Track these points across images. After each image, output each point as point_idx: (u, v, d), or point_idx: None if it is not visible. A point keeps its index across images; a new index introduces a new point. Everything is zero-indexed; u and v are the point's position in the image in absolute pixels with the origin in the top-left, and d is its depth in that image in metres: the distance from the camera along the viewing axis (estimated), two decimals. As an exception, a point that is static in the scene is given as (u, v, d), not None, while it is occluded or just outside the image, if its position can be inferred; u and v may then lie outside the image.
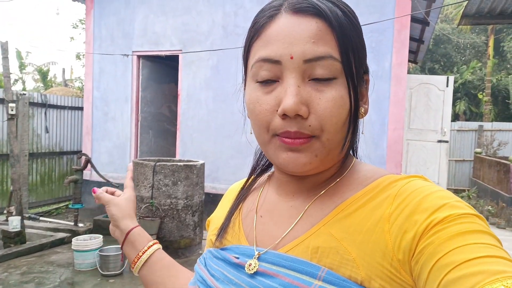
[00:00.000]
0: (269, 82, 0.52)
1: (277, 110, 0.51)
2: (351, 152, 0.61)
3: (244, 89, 0.60)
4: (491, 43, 13.93)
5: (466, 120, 15.31)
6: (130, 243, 0.74)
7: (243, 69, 0.60)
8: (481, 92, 11.68)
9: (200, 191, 4.50)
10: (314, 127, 0.50)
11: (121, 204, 0.77)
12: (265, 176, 0.69)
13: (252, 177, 0.70)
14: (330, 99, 0.50)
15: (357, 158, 0.62)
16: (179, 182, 4.27)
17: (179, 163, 4.36)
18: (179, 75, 5.88)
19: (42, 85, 17.62)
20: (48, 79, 17.76)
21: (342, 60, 0.50)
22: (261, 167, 0.70)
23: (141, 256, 0.72)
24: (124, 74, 6.23)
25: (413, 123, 6.30)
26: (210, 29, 5.67)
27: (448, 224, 0.43)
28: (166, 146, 6.82)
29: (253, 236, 0.60)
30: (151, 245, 0.73)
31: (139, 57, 6.21)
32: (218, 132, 5.64)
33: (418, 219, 0.45)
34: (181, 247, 4.30)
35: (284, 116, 0.50)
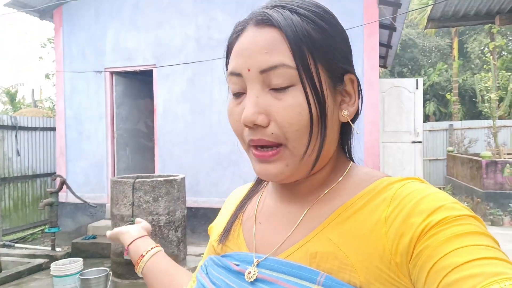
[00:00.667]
0: (239, 94, 0.55)
1: None
2: (347, 155, 0.62)
3: None
4: (455, 45, 14.54)
5: (436, 120, 15.83)
6: (136, 246, 0.82)
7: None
8: (449, 93, 12.14)
9: (182, 206, 4.43)
10: (277, 135, 0.51)
11: (131, 230, 0.88)
12: (264, 183, 0.70)
13: (255, 182, 0.71)
14: (287, 107, 0.51)
15: (353, 161, 0.62)
16: (160, 198, 4.20)
17: (158, 179, 4.29)
18: (154, 90, 5.83)
19: (11, 107, 17.09)
20: (16, 100, 17.25)
21: (298, 66, 0.50)
22: None
23: (144, 255, 0.79)
24: (97, 92, 6.11)
25: (387, 126, 6.46)
26: (183, 42, 5.66)
27: (445, 226, 0.43)
28: (144, 162, 6.71)
29: (252, 242, 0.60)
30: (154, 247, 0.81)
31: (112, 73, 6.12)
32: (197, 145, 5.60)
33: (415, 222, 0.45)
34: (165, 264, 4.20)
35: (246, 125, 0.52)
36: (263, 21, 0.52)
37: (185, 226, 4.51)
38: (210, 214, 5.49)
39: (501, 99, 8.94)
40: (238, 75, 0.53)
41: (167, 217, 4.24)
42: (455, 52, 14.42)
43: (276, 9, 0.53)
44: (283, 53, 0.51)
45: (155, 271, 0.78)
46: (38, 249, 5.41)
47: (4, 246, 5.57)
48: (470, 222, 0.44)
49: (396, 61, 18.19)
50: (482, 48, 16.16)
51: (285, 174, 0.53)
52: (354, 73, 0.57)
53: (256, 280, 0.53)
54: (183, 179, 4.52)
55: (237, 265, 0.57)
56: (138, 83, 6.68)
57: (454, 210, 0.45)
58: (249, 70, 0.52)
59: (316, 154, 0.54)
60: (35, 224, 7.17)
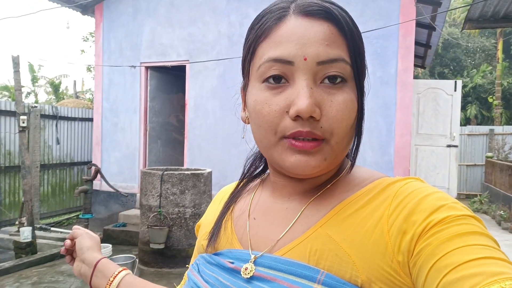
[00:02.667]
0: (278, 83, 0.51)
1: (287, 112, 0.50)
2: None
3: (245, 91, 0.58)
4: (500, 46, 13.80)
5: (478, 124, 15.11)
6: (100, 272, 0.70)
7: (245, 71, 0.58)
8: (491, 96, 11.54)
9: (207, 200, 4.52)
10: (325, 129, 0.50)
11: (92, 236, 0.77)
12: (257, 180, 0.68)
13: (244, 181, 0.69)
14: (342, 102, 0.50)
15: (354, 162, 0.61)
16: (186, 191, 4.30)
17: (186, 172, 4.39)
18: (186, 85, 5.95)
19: (54, 97, 17.92)
20: (60, 91, 18.08)
21: (352, 64, 0.51)
22: (253, 171, 0.68)
23: (112, 281, 0.68)
24: (133, 85, 6.33)
25: (422, 128, 6.25)
26: (216, 39, 5.74)
27: (446, 226, 0.43)
28: (174, 155, 6.88)
29: (247, 239, 0.58)
30: (121, 271, 0.70)
31: (147, 68, 6.31)
32: (225, 140, 5.67)
33: (416, 220, 0.45)
34: (189, 256, 4.31)
35: (297, 117, 0.49)
36: (317, 12, 0.50)
37: (210, 219, 4.59)
38: (235, 209, 5.54)
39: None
40: (288, 62, 0.50)
41: (193, 209, 4.33)
42: (500, 54, 13.69)
43: (328, 3, 0.51)
44: (341, 48, 0.50)
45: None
46: (72, 234, 5.69)
47: (41, 229, 5.91)
48: (471, 222, 0.44)
49: (437, 61, 17.52)
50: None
51: (322, 168, 0.52)
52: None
53: (252, 278, 0.52)
54: (209, 173, 4.60)
55: (232, 262, 0.56)
56: (171, 78, 6.84)
57: (456, 210, 0.45)
58: (305, 59, 0.49)
59: (348, 151, 0.54)
60: (70, 209, 7.54)
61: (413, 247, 0.44)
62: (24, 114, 4.73)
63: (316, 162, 0.51)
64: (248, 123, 0.59)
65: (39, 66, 19.46)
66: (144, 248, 4.35)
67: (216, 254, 0.60)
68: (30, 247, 4.63)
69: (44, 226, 6.07)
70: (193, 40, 5.87)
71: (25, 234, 4.59)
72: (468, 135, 10.50)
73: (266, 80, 0.52)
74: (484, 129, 10.89)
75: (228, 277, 0.55)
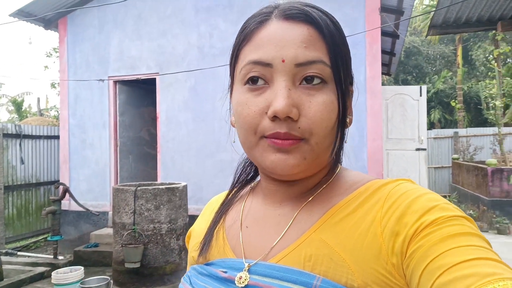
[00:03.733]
0: (258, 85, 0.52)
1: (266, 113, 0.50)
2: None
3: (231, 95, 0.59)
4: (459, 52, 14.49)
5: (442, 127, 15.74)
6: None
7: (230, 75, 0.59)
8: (453, 100, 12.07)
9: (183, 214, 4.41)
10: (303, 129, 0.50)
11: None
12: (247, 188, 0.68)
13: (234, 189, 0.68)
14: (321, 103, 0.50)
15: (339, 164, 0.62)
16: (161, 206, 4.19)
17: (160, 186, 4.28)
18: (157, 98, 5.85)
19: (17, 116, 17.25)
20: (23, 109, 17.43)
21: (332, 66, 0.51)
22: (244, 178, 0.68)
23: None
24: (101, 100, 6.15)
25: (391, 133, 6.42)
26: (186, 50, 5.69)
27: (438, 227, 0.43)
28: (147, 170, 6.71)
29: (240, 248, 0.57)
30: None
31: (115, 82, 6.16)
32: (200, 152, 5.60)
33: (408, 221, 0.45)
34: (166, 273, 4.17)
35: (274, 118, 0.50)
36: (296, 16, 0.51)
37: (186, 234, 4.48)
38: (212, 222, 5.45)
39: (506, 107, 8.87)
40: (267, 64, 0.51)
41: (169, 225, 4.22)
42: (460, 59, 14.37)
43: (308, 7, 0.52)
44: (320, 50, 0.51)
45: None
46: (40, 257, 5.41)
47: (6, 254, 5.58)
48: (463, 223, 0.44)
49: (400, 68, 18.17)
50: (486, 55, 16.12)
51: (301, 167, 0.51)
52: (353, 84, 0.59)
53: (247, 286, 0.51)
54: (185, 187, 4.51)
55: (225, 272, 0.55)
56: (141, 92, 6.72)
57: (447, 211, 0.45)
58: (283, 61, 0.50)
59: (331, 153, 0.54)
60: (38, 232, 7.17)
61: (406, 248, 0.44)
62: (-16, 133, 4.47)
63: (295, 161, 0.50)
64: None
65: (0, 84, 18.71)
66: (119, 268, 4.18)
67: (208, 265, 0.59)
68: (-6, 275, 4.34)
69: (10, 251, 5.74)
70: (162, 52, 5.80)
71: (-11, 261, 4.31)
72: (434, 138, 10.90)
73: (247, 82, 0.52)
74: (449, 132, 11.34)
75: (222, 287, 0.54)
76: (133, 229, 4.08)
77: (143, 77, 5.93)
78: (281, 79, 0.50)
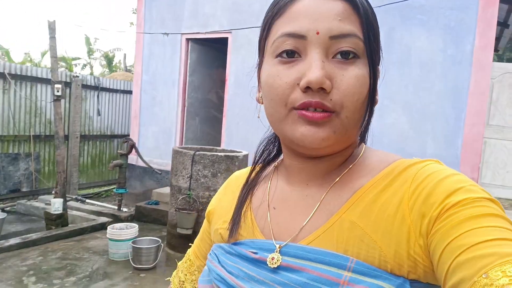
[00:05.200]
0: (290, 57, 0.51)
1: (298, 84, 0.50)
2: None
3: (259, 71, 0.59)
4: None
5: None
6: None
7: (260, 50, 0.59)
8: None
9: (241, 185, 4.13)
10: (335, 102, 0.49)
11: None
12: (271, 167, 0.66)
13: (257, 168, 0.67)
14: (353, 76, 0.50)
15: (365, 142, 0.60)
16: (219, 174, 3.94)
17: (219, 154, 4.02)
18: (228, 59, 5.53)
19: (108, 70, 18.45)
20: (113, 64, 18.56)
21: (365, 40, 0.51)
22: (266, 157, 0.66)
23: None
24: (172, 58, 6.02)
25: (493, 119, 5.39)
26: (261, 9, 5.22)
27: (462, 208, 0.43)
28: (212, 133, 6.55)
29: (268, 229, 0.57)
30: None
31: (187, 40, 5.95)
32: (266, 122, 5.21)
33: (434, 202, 0.45)
34: (218, 244, 3.98)
35: (306, 89, 0.49)
36: None
37: (243, 206, 4.22)
38: (272, 196, 5.14)
39: None
40: (301, 37, 0.50)
41: (225, 195, 3.97)
42: None
43: None
44: (354, 24, 0.50)
45: None
46: (106, 207, 5.60)
47: (76, 200, 5.88)
48: (488, 205, 0.43)
49: (508, 45, 15.73)
50: None
51: (330, 141, 0.50)
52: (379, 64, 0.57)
53: (278, 268, 0.51)
54: (245, 156, 4.20)
55: (255, 252, 0.55)
56: (213, 52, 6.45)
57: (473, 192, 0.44)
58: (318, 33, 0.49)
59: (361, 128, 0.54)
60: (109, 181, 7.53)
61: (430, 228, 0.44)
62: (59, 82, 4.56)
63: (325, 134, 0.50)
64: (262, 103, 0.58)
65: (95, 39, 20.05)
66: (172, 231, 4.08)
67: (236, 244, 0.59)
68: (60, 219, 4.54)
69: (79, 197, 6.05)
70: (237, 10, 5.40)
71: (56, 205, 4.49)
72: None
73: (279, 55, 0.52)
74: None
75: (253, 268, 0.54)
76: (188, 194, 3.91)
77: (215, 35, 5.62)
78: (315, 51, 0.50)
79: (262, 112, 0.58)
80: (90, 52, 18.74)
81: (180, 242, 4.01)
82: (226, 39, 5.58)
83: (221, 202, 0.68)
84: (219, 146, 5.60)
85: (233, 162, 4.00)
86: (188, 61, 6.04)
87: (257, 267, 0.53)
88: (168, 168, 5.99)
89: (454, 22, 3.86)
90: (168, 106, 6.07)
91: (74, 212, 5.17)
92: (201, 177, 3.93)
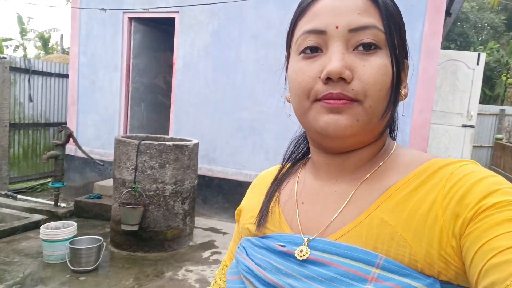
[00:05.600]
0: (313, 53, 0.53)
1: (319, 77, 0.51)
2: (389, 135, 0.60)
3: (286, 70, 0.60)
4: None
5: (480, 103, 14.49)
6: None
7: (286, 51, 0.60)
8: (505, 74, 10.84)
9: (192, 175, 3.90)
10: (357, 91, 0.50)
11: None
12: (299, 164, 0.67)
13: (286, 166, 0.68)
14: (375, 66, 0.50)
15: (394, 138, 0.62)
16: (167, 165, 3.67)
17: (167, 143, 3.74)
18: (175, 41, 5.18)
19: (43, 52, 17.02)
20: (49, 46, 17.14)
21: (386, 31, 0.51)
22: (296, 156, 0.67)
23: None
24: (114, 38, 5.53)
25: (436, 105, 5.59)
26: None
27: (498, 210, 0.42)
28: (160, 121, 6.18)
29: (296, 223, 0.58)
30: None
31: (130, 19, 5.49)
32: (217, 107, 4.98)
33: (469, 203, 0.45)
34: (167, 239, 3.74)
35: (327, 80, 0.50)
36: None
37: (194, 198, 3.99)
38: (225, 185, 4.96)
39: None
40: (321, 32, 0.52)
41: (174, 186, 3.72)
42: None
43: None
44: (374, 16, 0.52)
45: None
46: (41, 203, 5.09)
47: (6, 196, 5.29)
48: None
49: (449, 34, 16.67)
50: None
51: (354, 129, 0.51)
52: (408, 58, 0.58)
53: (306, 261, 0.52)
54: (196, 145, 3.96)
55: (283, 246, 0.56)
56: (159, 33, 6.04)
57: (510, 195, 0.43)
58: (337, 27, 0.51)
59: (385, 119, 0.53)
60: (45, 174, 6.90)
61: (464, 230, 0.44)
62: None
63: (348, 121, 0.50)
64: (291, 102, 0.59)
65: (28, 18, 18.36)
66: (116, 228, 3.77)
67: (264, 238, 0.60)
68: (-15, 219, 4.02)
69: (10, 193, 5.45)
70: (184, -12, 5.04)
71: (-21, 204, 3.96)
72: (478, 114, 9.90)
73: (302, 51, 0.54)
74: (495, 109, 10.30)
75: (280, 260, 0.55)
76: (134, 187, 3.61)
77: (161, 15, 5.22)
78: (335, 44, 0.51)
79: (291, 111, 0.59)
80: (23, 32, 17.19)
81: (125, 240, 3.71)
82: (173, 20, 5.21)
83: (250, 200, 0.69)
84: (168, 134, 5.28)
85: (182, 151, 3.75)
86: (132, 42, 5.59)
87: (285, 260, 0.54)
88: (111, 159, 5.57)
89: (405, 8, 3.85)
90: (110, 92, 5.60)
91: (4, 210, 4.62)
92: (148, 169, 3.64)
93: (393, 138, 0.61)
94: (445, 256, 0.45)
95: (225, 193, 4.97)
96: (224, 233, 4.50)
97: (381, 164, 0.55)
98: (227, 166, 4.96)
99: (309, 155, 0.65)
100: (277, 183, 0.66)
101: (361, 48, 0.50)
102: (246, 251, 0.60)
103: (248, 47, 4.78)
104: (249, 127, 4.85)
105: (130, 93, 5.63)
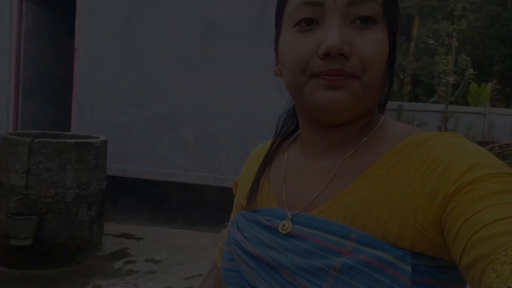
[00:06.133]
0: (308, 26, 0.51)
1: (316, 52, 0.50)
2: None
3: (276, 44, 0.60)
4: (416, 23, 14.20)
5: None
6: None
7: (277, 23, 0.58)
8: (402, 72, 11.93)
9: (99, 177, 3.43)
10: (356, 66, 0.49)
11: None
12: (290, 139, 0.68)
13: (277, 140, 0.68)
14: (374, 41, 0.50)
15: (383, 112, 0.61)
16: (68, 166, 3.16)
17: (68, 140, 3.23)
18: (77, 24, 4.56)
19: None
20: None
21: (384, 5, 0.51)
22: (285, 130, 0.68)
23: None
24: (0, 19, 4.70)
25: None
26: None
27: (480, 184, 0.42)
28: (60, 116, 5.45)
29: (283, 198, 0.59)
30: None
31: (20, -3, 4.71)
32: (127, 100, 4.52)
33: (450, 178, 0.44)
34: (70, 251, 3.23)
35: (325, 56, 0.49)
36: None
37: (102, 202, 3.53)
38: (139, 186, 4.53)
39: (457, 85, 8.80)
40: (318, 4, 0.50)
41: (78, 191, 3.22)
42: (416, 31, 14.08)
43: None
44: None
45: None
46: None
47: None
48: (506, 180, 0.42)
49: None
50: (430, 34, 16.28)
51: (352, 104, 0.51)
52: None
53: (288, 235, 0.53)
54: (103, 142, 3.49)
55: (268, 220, 0.57)
56: (58, 16, 5.30)
57: (492, 168, 0.43)
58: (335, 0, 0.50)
59: (381, 93, 0.55)
60: None
61: (446, 205, 0.44)
62: None
63: (346, 96, 0.50)
64: (281, 75, 0.59)
65: None
66: (4, 243, 3.14)
67: (254, 212, 0.62)
68: None
69: None
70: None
71: None
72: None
73: (297, 24, 0.52)
74: (393, 104, 11.26)
75: (266, 234, 0.56)
76: (26, 194, 3.04)
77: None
78: (333, 18, 0.50)
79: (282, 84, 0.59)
80: None
81: (16, 257, 3.12)
82: (74, 1, 4.58)
83: (245, 174, 0.71)
84: (69, 131, 4.65)
85: (87, 150, 3.27)
86: (23, 25, 4.81)
87: (270, 233, 0.56)
88: None
89: None
90: (-5, 82, 4.75)
91: None
92: (44, 171, 3.09)
93: (383, 110, 0.60)
94: (420, 229, 0.45)
95: (140, 195, 4.55)
96: (139, 239, 4.09)
97: (364, 139, 0.55)
98: (141, 165, 4.53)
99: (299, 131, 0.65)
100: (268, 158, 0.67)
101: (358, 21, 0.50)
102: (237, 225, 0.63)
103: (163, 35, 4.41)
104: (165, 122, 4.49)
105: (21, 84, 4.84)
